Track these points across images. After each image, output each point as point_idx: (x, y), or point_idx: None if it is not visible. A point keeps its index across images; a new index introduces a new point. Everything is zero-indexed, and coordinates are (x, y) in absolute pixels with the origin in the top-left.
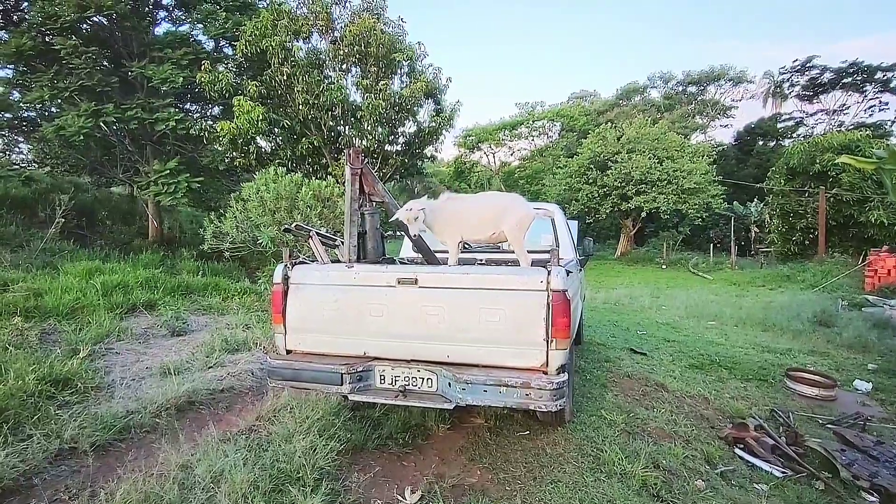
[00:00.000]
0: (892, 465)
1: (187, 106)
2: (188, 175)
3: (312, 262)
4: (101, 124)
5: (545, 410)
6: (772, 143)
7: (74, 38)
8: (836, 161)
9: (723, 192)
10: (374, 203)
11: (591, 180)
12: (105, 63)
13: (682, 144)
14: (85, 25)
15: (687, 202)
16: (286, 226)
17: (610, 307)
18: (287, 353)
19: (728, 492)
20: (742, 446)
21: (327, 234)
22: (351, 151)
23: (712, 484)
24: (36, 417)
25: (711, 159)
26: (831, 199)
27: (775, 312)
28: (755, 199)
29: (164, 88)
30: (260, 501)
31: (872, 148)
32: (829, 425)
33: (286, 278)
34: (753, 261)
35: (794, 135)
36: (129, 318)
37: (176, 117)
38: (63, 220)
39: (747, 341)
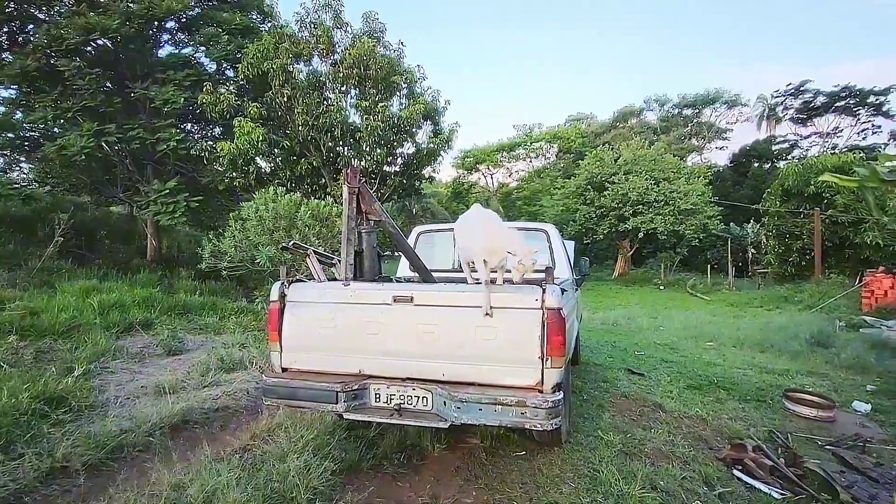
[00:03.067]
0: (892, 487)
1: (188, 126)
2: (187, 194)
3: (310, 280)
4: (103, 144)
5: (541, 430)
6: (767, 165)
7: (79, 59)
8: (820, 179)
9: (719, 214)
10: (372, 222)
11: (588, 201)
12: (108, 84)
13: (678, 166)
14: (89, 48)
15: (684, 223)
16: (284, 244)
17: (607, 328)
18: (283, 372)
19: None
20: (740, 468)
21: (325, 253)
22: (349, 171)
23: None
24: (29, 436)
25: (707, 180)
26: (826, 220)
27: (773, 333)
28: (751, 221)
29: (166, 109)
30: None
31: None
32: (827, 447)
33: (283, 296)
34: (751, 282)
35: (789, 157)
36: (125, 337)
37: (177, 137)
38: (62, 238)
39: (745, 362)
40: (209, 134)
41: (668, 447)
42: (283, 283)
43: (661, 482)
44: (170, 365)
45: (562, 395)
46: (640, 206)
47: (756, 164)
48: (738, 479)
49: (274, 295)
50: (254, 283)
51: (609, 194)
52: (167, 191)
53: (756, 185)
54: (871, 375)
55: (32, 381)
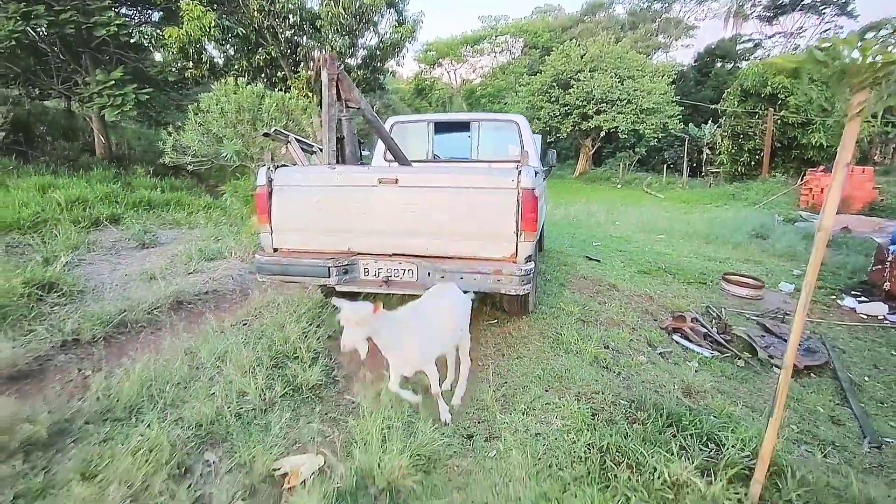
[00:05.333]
0: (802, 348)
1: (123, 11)
2: (135, 86)
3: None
4: (29, 29)
5: (514, 294)
6: (730, 66)
7: None
8: (767, 62)
9: (679, 114)
10: (351, 108)
11: (553, 99)
12: None
13: (643, 64)
14: None
15: (644, 122)
16: (266, 130)
17: (568, 222)
18: (274, 252)
19: (665, 366)
20: (680, 334)
21: (305, 141)
22: (327, 56)
23: (652, 360)
24: (33, 315)
25: (671, 80)
26: (778, 121)
27: (719, 227)
28: (709, 122)
29: None
30: (264, 374)
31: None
32: (753, 318)
33: (270, 180)
34: (703, 181)
35: (752, 57)
36: (94, 231)
37: (117, 22)
38: (2, 133)
39: (692, 251)
40: (148, 20)
41: (619, 317)
42: (269, 167)
43: (612, 343)
44: (146, 257)
45: (533, 266)
46: (604, 105)
47: (720, 64)
48: (677, 342)
49: (262, 179)
50: (215, 180)
51: (574, 92)
52: (112, 82)
53: (718, 85)
54: (799, 262)
55: (19, 270)
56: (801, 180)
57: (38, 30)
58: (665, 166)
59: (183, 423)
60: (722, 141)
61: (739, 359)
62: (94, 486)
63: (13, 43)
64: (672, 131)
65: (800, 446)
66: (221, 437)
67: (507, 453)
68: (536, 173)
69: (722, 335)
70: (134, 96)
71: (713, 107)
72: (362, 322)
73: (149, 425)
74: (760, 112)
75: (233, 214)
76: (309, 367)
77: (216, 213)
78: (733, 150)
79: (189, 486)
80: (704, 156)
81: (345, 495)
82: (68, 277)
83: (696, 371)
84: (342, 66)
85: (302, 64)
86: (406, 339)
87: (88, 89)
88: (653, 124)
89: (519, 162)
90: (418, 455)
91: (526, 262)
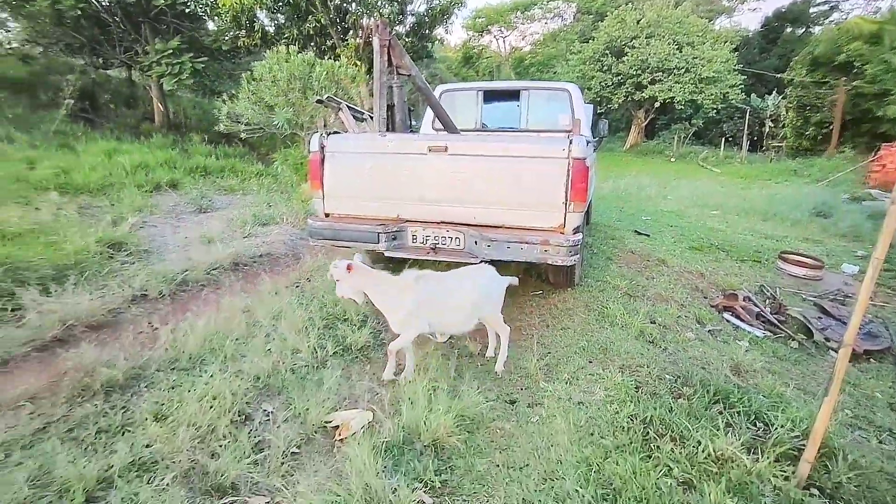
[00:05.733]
0: (863, 332)
1: None
2: (191, 55)
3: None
4: (94, 0)
5: (560, 265)
6: (800, 31)
7: None
8: (847, 25)
9: (741, 83)
10: (402, 75)
11: (605, 67)
12: None
13: (704, 29)
14: None
15: (703, 92)
16: (319, 97)
17: (617, 196)
18: (326, 217)
19: (713, 344)
20: (731, 312)
21: (356, 108)
22: (379, 23)
23: (700, 337)
24: (106, 271)
25: (734, 46)
26: (851, 91)
27: (778, 203)
28: (773, 92)
29: None
30: (316, 334)
31: None
32: (810, 298)
33: (322, 147)
34: (764, 156)
35: (826, 21)
36: (155, 195)
37: None
38: (72, 101)
39: (747, 228)
40: None
41: (667, 293)
42: (321, 134)
43: (659, 318)
44: (204, 221)
45: (581, 237)
46: (660, 74)
47: (789, 29)
48: (727, 321)
49: (315, 146)
50: (266, 149)
51: (628, 60)
52: (170, 51)
53: (785, 53)
54: (865, 243)
55: (92, 230)
56: (874, 155)
57: (101, 0)
58: (723, 139)
59: (242, 376)
60: (787, 113)
61: (793, 340)
62: (167, 426)
63: (78, 13)
64: (733, 102)
65: (854, 431)
66: (277, 390)
67: (550, 419)
68: (588, 143)
69: (775, 315)
70: (190, 65)
71: (779, 76)
72: (342, 277)
73: (212, 375)
74: (831, 82)
75: (284, 182)
76: (358, 329)
77: (268, 180)
78: (798, 123)
79: (249, 432)
80: (767, 129)
81: (392, 449)
82: (135, 237)
83: (746, 350)
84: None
85: (350, 32)
86: (399, 301)
87: (148, 58)
88: (712, 94)
89: (570, 132)
90: (462, 416)
91: (574, 233)
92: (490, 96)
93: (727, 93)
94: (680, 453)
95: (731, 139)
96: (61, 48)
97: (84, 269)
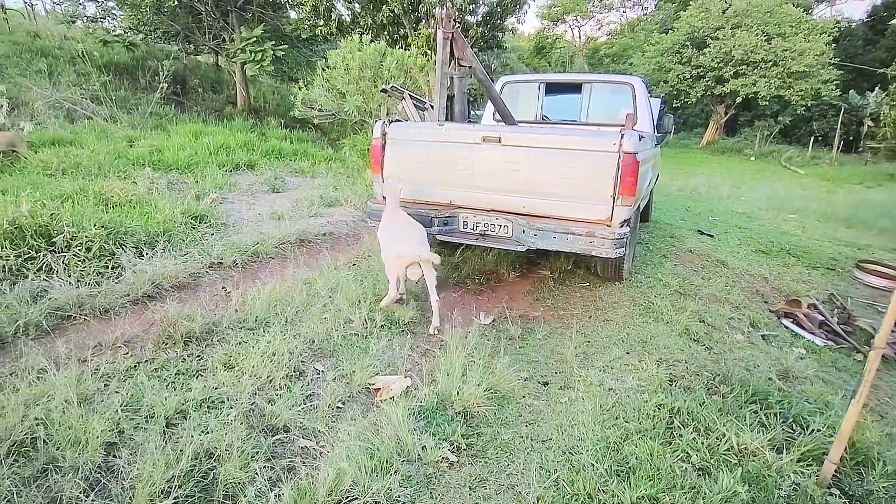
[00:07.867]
0: None
1: None
2: (273, 43)
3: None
4: None
5: (605, 257)
6: None
7: None
8: None
9: (837, 78)
10: (463, 67)
11: (684, 59)
12: None
13: (798, 19)
14: None
15: (792, 87)
16: (384, 86)
17: (685, 194)
18: (384, 200)
19: (764, 348)
20: (791, 319)
21: (418, 97)
22: (443, 15)
23: (751, 340)
24: (189, 240)
25: (831, 38)
26: None
27: (865, 210)
28: (876, 88)
29: None
30: (367, 307)
31: None
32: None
33: (384, 134)
34: (858, 158)
35: None
36: (234, 174)
37: None
38: (167, 85)
39: (825, 235)
40: None
41: (722, 294)
42: (384, 122)
43: (709, 318)
44: (276, 200)
45: (628, 231)
46: (743, 67)
47: None
48: (786, 327)
49: (377, 132)
50: (335, 134)
51: (710, 52)
52: (254, 39)
53: (894, 45)
54: None
55: (178, 202)
56: None
57: None
58: (812, 139)
59: (299, 338)
60: (888, 111)
61: (858, 352)
62: (233, 373)
63: (175, 2)
64: (826, 98)
65: None
66: (329, 353)
67: (578, 402)
68: (641, 138)
69: (842, 326)
70: (272, 52)
71: (882, 71)
72: None
73: (273, 335)
74: None
75: (350, 166)
76: (405, 305)
77: (336, 164)
78: None
79: (302, 386)
80: (865, 128)
81: (425, 412)
82: (214, 212)
83: (801, 357)
84: (460, 24)
85: (423, 21)
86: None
87: (234, 45)
88: (802, 90)
89: (624, 126)
90: (495, 390)
91: (621, 227)
92: (552, 89)
93: (819, 88)
94: (702, 443)
95: (821, 139)
96: (159, 35)
97: (171, 236)
